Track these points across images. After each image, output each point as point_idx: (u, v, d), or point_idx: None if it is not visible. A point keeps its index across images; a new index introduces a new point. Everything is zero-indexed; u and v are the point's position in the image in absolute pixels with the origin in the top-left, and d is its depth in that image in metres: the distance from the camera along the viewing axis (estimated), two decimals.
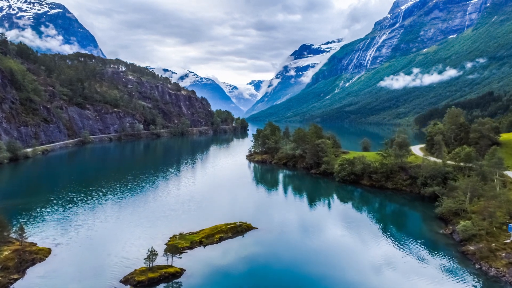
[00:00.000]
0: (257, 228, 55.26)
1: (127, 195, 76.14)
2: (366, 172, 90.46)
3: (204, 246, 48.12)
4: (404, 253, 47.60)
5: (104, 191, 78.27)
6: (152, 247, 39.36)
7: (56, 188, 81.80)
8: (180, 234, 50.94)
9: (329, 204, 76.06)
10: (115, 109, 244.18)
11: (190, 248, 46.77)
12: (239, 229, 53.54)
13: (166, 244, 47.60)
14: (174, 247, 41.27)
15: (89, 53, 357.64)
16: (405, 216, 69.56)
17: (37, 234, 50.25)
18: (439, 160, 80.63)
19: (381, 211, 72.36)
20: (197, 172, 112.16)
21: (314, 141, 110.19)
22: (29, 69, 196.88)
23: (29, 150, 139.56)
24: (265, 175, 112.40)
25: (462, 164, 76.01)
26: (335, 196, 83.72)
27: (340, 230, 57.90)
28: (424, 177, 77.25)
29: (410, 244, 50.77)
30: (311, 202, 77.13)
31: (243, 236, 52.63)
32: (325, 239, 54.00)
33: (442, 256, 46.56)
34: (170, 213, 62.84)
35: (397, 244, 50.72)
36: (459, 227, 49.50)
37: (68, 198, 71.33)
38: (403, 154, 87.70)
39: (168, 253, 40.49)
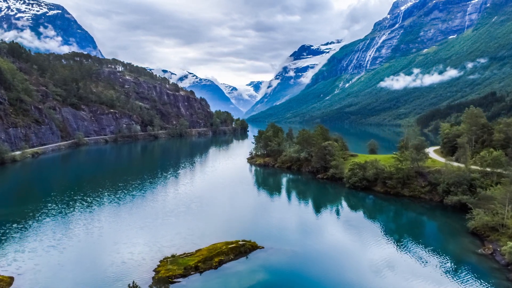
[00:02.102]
0: (263, 248, 47.14)
1: (115, 206, 67.69)
2: (379, 178, 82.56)
3: (201, 272, 39.95)
4: (442, 278, 39.58)
5: (89, 201, 69.67)
6: (134, 282, 31.26)
7: (35, 197, 73.33)
8: (173, 256, 42.89)
9: (340, 213, 68.22)
10: (111, 110, 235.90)
11: (184, 275, 38.63)
12: (242, 249, 45.46)
13: (154, 270, 39.50)
14: (163, 280, 33.28)
15: (86, 53, 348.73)
16: (430, 230, 61.31)
17: (0, 258, 42.03)
18: (462, 165, 72.89)
19: (401, 223, 64.51)
20: (195, 177, 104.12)
21: (320, 143, 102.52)
22: (20, 68, 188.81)
23: (17, 153, 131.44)
24: (268, 180, 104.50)
25: (489, 169, 68.46)
26: (346, 204, 75.94)
27: (361, 246, 49.78)
28: (447, 184, 69.44)
29: (444, 266, 42.67)
30: (321, 211, 69.22)
31: (247, 258, 44.65)
32: (344, 258, 46.02)
33: (487, 284, 38.65)
34: (162, 229, 54.58)
35: (430, 267, 42.55)
36: (506, 248, 41.56)
37: (46, 210, 62.68)
38: (420, 158, 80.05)
39: None
